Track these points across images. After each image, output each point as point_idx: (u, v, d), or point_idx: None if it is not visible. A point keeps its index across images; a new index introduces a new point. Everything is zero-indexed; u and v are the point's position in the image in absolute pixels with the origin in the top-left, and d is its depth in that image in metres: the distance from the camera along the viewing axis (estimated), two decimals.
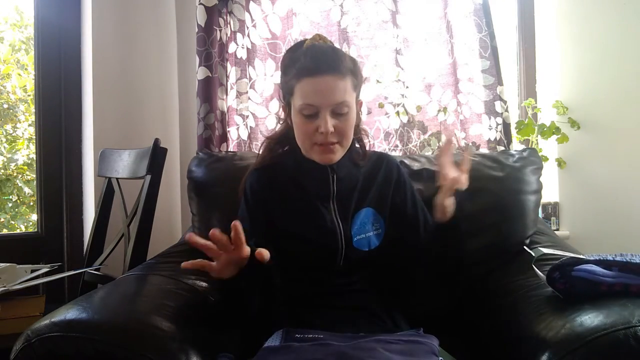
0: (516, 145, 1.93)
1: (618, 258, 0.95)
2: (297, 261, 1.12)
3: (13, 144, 2.06)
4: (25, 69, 2.05)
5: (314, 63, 1.05)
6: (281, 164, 1.19)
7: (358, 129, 1.20)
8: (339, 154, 1.09)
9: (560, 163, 2.06)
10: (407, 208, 1.19)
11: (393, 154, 1.74)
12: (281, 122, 1.23)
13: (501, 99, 1.75)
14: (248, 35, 1.75)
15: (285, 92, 1.13)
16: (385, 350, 0.89)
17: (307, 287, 1.11)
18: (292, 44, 1.72)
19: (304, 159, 1.13)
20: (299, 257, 1.11)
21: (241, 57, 1.73)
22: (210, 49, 1.64)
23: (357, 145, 1.21)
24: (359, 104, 1.15)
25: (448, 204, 1.08)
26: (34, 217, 1.93)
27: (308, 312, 1.07)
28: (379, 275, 1.17)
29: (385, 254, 1.16)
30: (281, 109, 1.22)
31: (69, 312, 0.91)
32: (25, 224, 2.07)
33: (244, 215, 1.14)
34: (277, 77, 1.75)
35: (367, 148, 1.23)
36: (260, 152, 1.22)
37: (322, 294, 1.09)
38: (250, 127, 1.75)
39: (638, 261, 0.92)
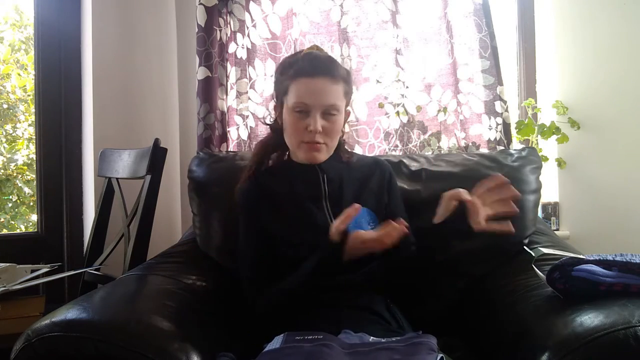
0: (516, 145, 1.93)
1: (618, 258, 0.95)
2: (295, 263, 1.11)
3: (13, 144, 2.06)
4: (25, 69, 2.05)
5: (311, 65, 1.12)
6: (271, 171, 1.23)
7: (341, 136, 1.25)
8: (324, 154, 1.14)
9: (560, 163, 2.06)
10: (398, 213, 1.22)
11: (393, 154, 1.75)
12: (271, 120, 1.28)
13: (501, 99, 1.75)
14: (248, 35, 1.75)
15: (279, 92, 1.18)
16: (384, 353, 0.89)
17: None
18: (292, 44, 1.75)
19: (294, 163, 1.17)
20: (296, 258, 1.11)
21: (241, 57, 1.73)
22: (210, 49, 1.64)
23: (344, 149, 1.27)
24: (347, 113, 1.20)
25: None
26: (34, 217, 1.94)
27: (309, 312, 1.07)
28: (379, 275, 1.17)
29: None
30: (273, 109, 1.25)
31: (69, 312, 0.91)
32: (25, 224, 2.07)
33: (247, 230, 1.18)
34: None
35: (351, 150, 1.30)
36: (253, 157, 1.25)
37: (322, 293, 1.09)
38: (250, 127, 1.75)
39: (638, 261, 0.92)
